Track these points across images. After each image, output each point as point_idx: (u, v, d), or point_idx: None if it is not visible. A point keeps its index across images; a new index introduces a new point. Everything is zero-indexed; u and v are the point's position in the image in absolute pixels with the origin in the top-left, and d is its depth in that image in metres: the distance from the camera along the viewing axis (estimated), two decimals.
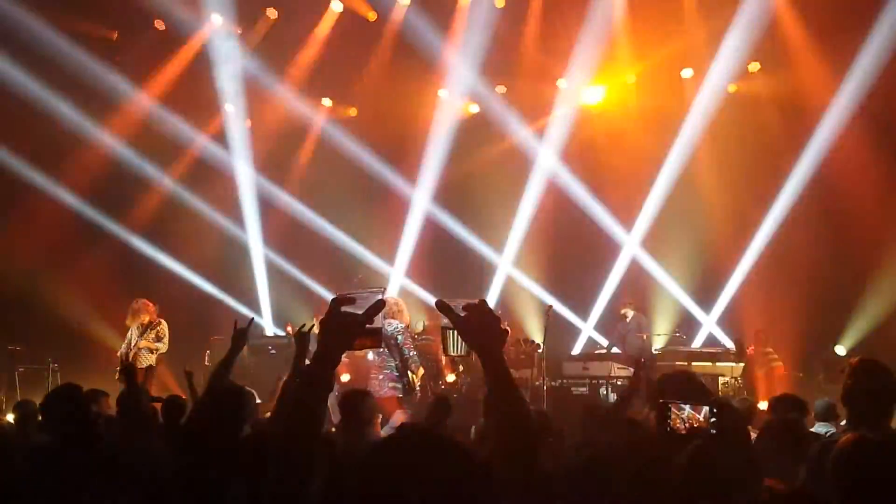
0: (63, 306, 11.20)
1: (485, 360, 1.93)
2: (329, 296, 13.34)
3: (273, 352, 12.03)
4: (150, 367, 9.35)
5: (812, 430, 5.00)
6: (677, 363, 10.53)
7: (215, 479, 3.30)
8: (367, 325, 1.92)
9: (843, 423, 3.91)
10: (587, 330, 13.70)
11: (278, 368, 11.64)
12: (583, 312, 13.62)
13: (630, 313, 11.82)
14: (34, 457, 3.76)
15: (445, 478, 1.43)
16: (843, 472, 2.37)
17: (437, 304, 1.99)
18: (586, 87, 13.11)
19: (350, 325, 1.91)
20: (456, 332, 1.97)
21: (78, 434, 3.88)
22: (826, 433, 4.94)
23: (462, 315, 1.95)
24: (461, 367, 11.16)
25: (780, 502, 1.71)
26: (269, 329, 13.70)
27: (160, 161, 12.79)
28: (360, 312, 1.92)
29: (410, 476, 1.42)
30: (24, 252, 11.08)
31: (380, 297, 1.95)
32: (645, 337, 11.62)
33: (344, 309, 1.92)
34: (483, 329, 1.94)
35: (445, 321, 1.96)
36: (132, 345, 9.40)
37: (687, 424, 2.51)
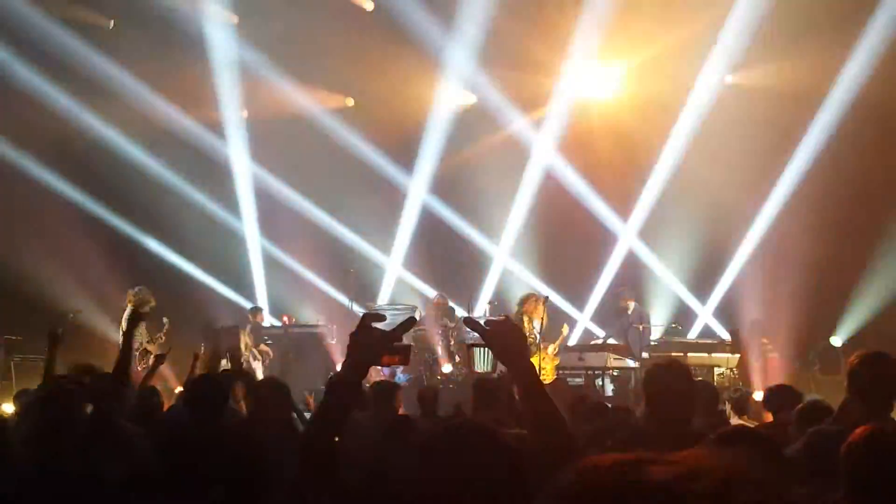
0: (58, 296, 11.18)
1: (515, 374, 1.96)
2: (325, 286, 13.46)
3: (269, 342, 12.04)
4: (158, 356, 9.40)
5: None
6: (673, 354, 10.54)
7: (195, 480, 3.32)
8: (396, 343, 1.94)
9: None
10: (583, 321, 13.71)
11: (275, 358, 11.69)
12: (579, 303, 13.63)
13: (631, 305, 11.83)
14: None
15: (491, 471, 1.47)
16: (857, 464, 2.33)
17: (464, 320, 2.04)
18: (583, 77, 13.07)
19: (378, 342, 1.93)
20: (484, 347, 2.02)
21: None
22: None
23: (488, 330, 1.98)
24: (457, 359, 11.18)
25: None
26: (266, 319, 13.68)
27: (156, 150, 12.75)
28: (388, 329, 1.95)
29: (461, 467, 1.46)
30: (19, 241, 11.05)
31: (413, 315, 2.01)
32: (642, 328, 11.63)
33: (373, 325, 1.94)
34: (510, 342, 1.97)
35: (472, 338, 2.04)
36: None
37: None
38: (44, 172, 11.75)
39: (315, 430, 1.95)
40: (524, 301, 10.05)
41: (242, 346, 11.29)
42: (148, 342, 9.63)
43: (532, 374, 1.97)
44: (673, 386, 3.28)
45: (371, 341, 1.92)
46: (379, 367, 11.06)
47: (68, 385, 4.31)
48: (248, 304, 13.19)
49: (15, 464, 3.57)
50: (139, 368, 8.59)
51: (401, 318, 1.96)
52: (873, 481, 2.28)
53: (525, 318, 9.74)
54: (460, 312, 11.80)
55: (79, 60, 11.48)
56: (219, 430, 3.83)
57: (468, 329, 2.02)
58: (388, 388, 5.31)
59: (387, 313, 1.97)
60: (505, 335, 1.97)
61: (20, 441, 3.66)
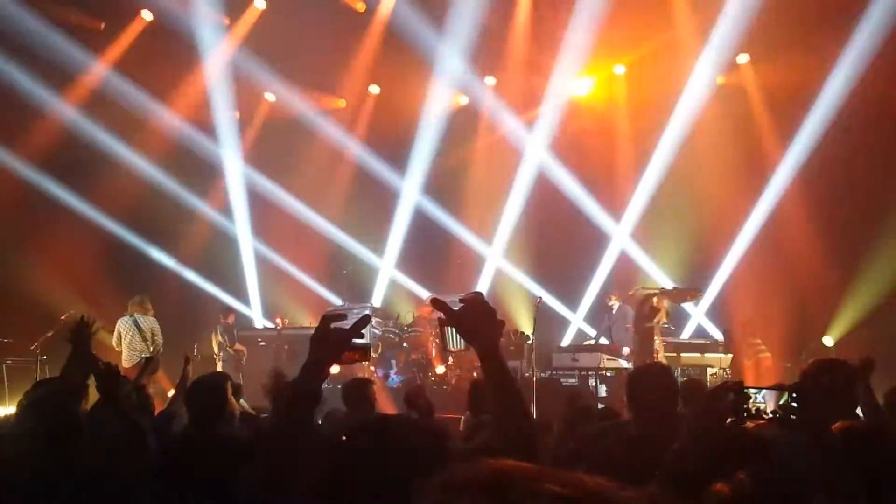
0: (50, 298, 11.13)
1: (481, 353, 1.94)
2: (318, 287, 13.43)
3: (262, 343, 12.02)
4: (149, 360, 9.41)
5: None
6: (666, 354, 10.58)
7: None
8: (355, 340, 1.98)
9: None
10: (576, 321, 13.73)
11: (268, 360, 11.67)
12: (572, 304, 13.65)
13: (615, 304, 11.84)
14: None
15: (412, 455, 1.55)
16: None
17: (431, 301, 2.02)
18: (575, 79, 13.10)
19: (339, 340, 1.96)
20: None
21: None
22: None
23: (457, 309, 1.96)
24: (451, 360, 11.18)
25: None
26: (259, 321, 13.67)
27: (148, 152, 12.70)
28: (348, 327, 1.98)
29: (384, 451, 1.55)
30: (11, 244, 11.00)
31: (367, 313, 2.04)
32: (627, 327, 11.63)
33: (334, 325, 1.98)
34: (479, 321, 1.95)
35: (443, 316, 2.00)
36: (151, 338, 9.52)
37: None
38: (37, 175, 11.70)
39: (278, 428, 1.98)
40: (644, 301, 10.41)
41: (215, 346, 11.40)
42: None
43: (497, 356, 1.94)
44: (656, 389, 3.30)
45: (331, 339, 1.96)
46: (372, 369, 11.11)
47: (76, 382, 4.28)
48: (242, 307, 13.18)
49: (23, 464, 3.54)
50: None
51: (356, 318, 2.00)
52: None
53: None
54: None
55: (71, 63, 11.45)
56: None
57: (436, 310, 2.01)
58: (358, 386, 5.26)
59: (345, 312, 2.02)
60: (473, 314, 1.94)
61: (26, 439, 3.63)
